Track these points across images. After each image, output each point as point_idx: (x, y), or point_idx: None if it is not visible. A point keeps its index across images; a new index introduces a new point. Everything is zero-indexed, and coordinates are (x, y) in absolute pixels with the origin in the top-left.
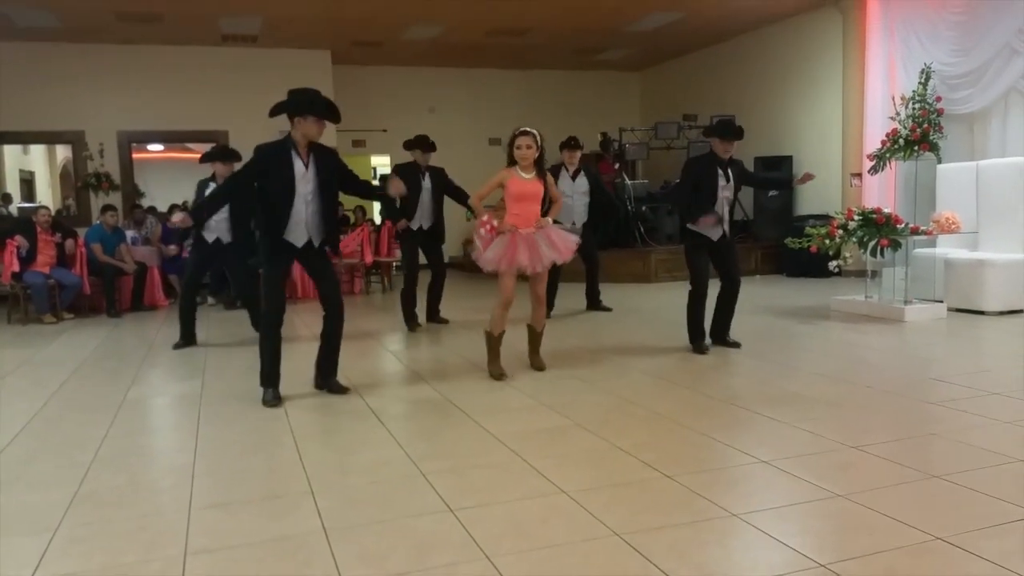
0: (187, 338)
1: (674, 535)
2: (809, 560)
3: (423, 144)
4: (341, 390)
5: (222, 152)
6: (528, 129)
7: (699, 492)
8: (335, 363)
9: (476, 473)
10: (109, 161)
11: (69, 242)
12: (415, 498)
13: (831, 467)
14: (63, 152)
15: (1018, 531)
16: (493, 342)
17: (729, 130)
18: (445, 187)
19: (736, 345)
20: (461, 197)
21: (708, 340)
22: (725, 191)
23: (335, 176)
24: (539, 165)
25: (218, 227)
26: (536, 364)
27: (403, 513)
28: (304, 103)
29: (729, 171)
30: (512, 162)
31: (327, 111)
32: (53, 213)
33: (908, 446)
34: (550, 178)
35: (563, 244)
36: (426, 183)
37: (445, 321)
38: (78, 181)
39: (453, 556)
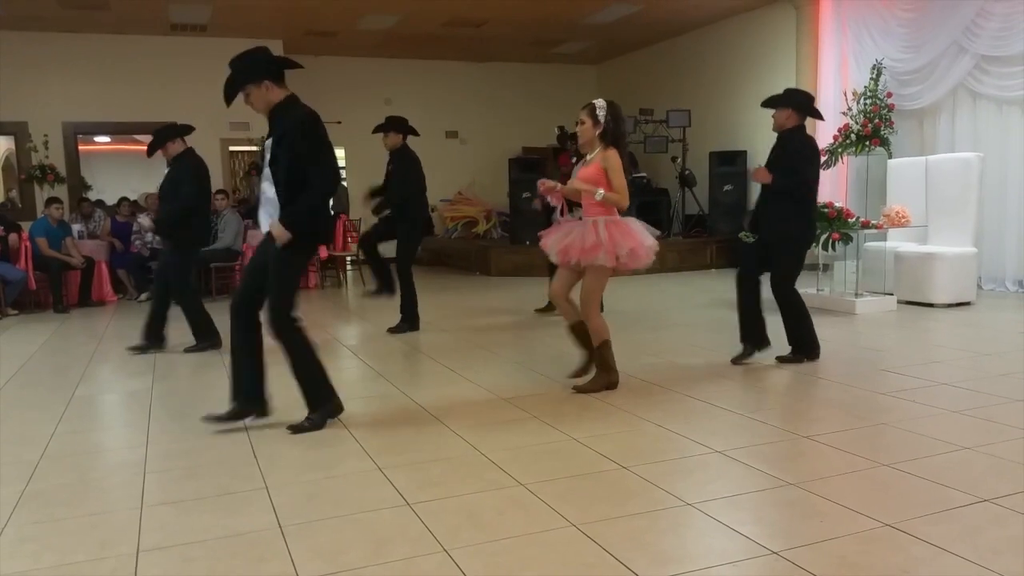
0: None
1: (630, 524)
2: (761, 547)
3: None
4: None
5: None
6: (591, 101)
7: (654, 482)
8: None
9: (433, 467)
10: (54, 153)
11: (13, 236)
12: (371, 492)
13: (783, 456)
14: (5, 143)
15: (962, 516)
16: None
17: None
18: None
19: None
20: None
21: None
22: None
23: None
24: (604, 141)
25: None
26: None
27: (359, 508)
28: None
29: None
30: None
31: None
32: None
33: (858, 435)
34: (609, 158)
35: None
36: None
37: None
38: (22, 174)
39: (410, 550)
